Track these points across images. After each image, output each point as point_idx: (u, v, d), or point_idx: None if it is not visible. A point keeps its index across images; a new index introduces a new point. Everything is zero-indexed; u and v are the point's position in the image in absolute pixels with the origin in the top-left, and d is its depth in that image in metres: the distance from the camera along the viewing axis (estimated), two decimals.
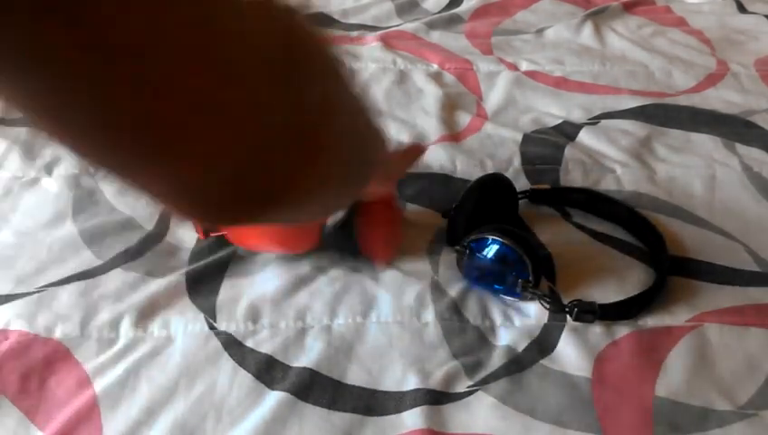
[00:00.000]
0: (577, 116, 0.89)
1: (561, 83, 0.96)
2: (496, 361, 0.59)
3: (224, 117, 0.22)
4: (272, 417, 0.54)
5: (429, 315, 0.62)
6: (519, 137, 0.85)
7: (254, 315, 0.62)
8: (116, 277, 0.65)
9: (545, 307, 0.62)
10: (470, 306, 0.63)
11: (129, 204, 0.73)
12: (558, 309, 0.61)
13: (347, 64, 0.29)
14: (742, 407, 0.55)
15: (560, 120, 0.88)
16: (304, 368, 0.57)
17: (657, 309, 0.63)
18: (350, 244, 0.64)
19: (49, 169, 0.79)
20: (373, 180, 0.43)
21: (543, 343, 0.60)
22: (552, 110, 0.90)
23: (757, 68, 1.00)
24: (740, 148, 0.84)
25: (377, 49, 1.01)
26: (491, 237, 0.63)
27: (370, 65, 0.98)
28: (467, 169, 0.80)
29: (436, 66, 0.98)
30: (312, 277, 0.65)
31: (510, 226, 0.66)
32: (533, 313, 0.63)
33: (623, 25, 1.10)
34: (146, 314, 0.62)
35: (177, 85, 0.20)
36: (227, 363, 0.58)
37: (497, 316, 0.63)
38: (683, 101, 0.93)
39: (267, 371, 0.57)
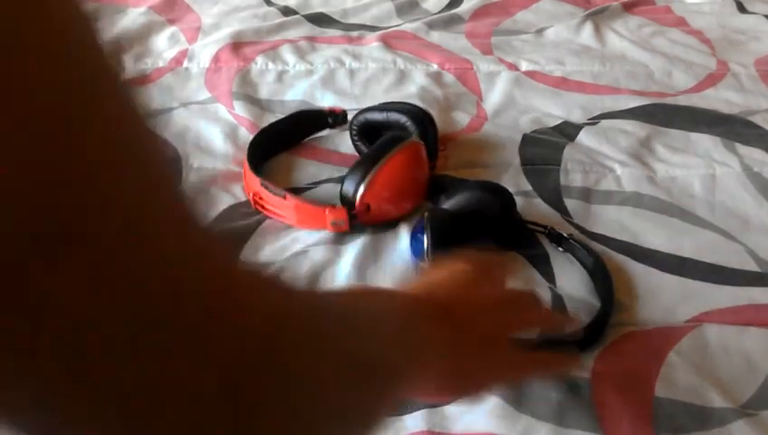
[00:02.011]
0: (577, 116, 0.89)
1: (561, 83, 0.96)
2: None
3: None
4: None
5: None
6: (519, 137, 0.85)
7: None
8: None
9: None
10: None
11: None
12: None
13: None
14: (742, 406, 0.55)
15: (560, 121, 0.88)
16: None
17: (657, 309, 0.63)
18: None
19: None
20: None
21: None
22: (551, 110, 0.90)
23: (757, 68, 1.00)
24: (740, 148, 0.84)
25: (377, 49, 1.01)
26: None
27: (370, 65, 0.98)
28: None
29: (436, 66, 0.98)
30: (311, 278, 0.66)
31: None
32: None
33: (623, 25, 1.10)
34: None
35: None
36: None
37: None
38: (683, 101, 0.93)
39: None
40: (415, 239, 0.66)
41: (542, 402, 0.55)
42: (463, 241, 0.66)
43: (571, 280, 0.66)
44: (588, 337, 0.60)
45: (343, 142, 0.83)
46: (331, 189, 0.75)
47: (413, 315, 0.38)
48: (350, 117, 0.82)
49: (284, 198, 0.70)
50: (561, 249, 0.69)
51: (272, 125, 0.83)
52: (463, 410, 0.55)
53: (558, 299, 0.64)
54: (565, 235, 0.69)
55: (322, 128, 0.85)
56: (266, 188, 0.71)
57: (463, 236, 0.66)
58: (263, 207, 0.72)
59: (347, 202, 0.69)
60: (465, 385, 0.46)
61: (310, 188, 0.77)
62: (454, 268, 0.47)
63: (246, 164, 0.74)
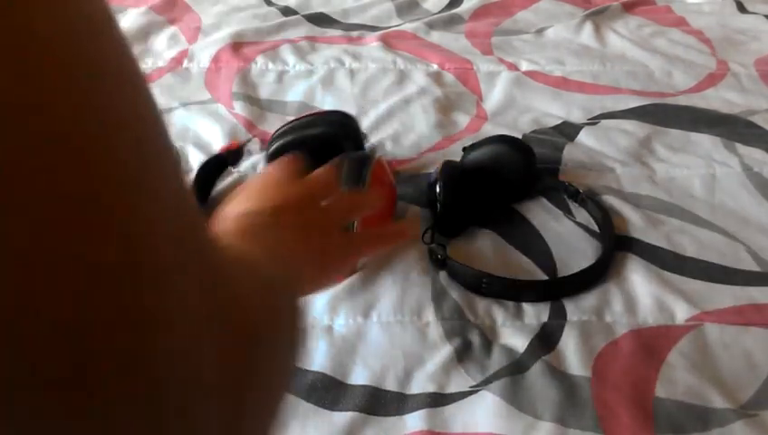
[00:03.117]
0: (577, 116, 0.89)
1: (561, 83, 0.96)
2: (497, 360, 0.59)
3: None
4: None
5: (430, 315, 0.62)
6: (518, 137, 0.84)
7: None
8: None
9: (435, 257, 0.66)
10: (471, 306, 0.63)
11: None
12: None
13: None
14: (742, 407, 0.56)
15: (560, 121, 0.88)
16: (306, 368, 0.58)
17: (657, 309, 0.63)
18: None
19: None
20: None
21: (544, 343, 0.60)
22: (551, 110, 0.90)
23: (757, 68, 1.00)
24: (740, 148, 0.84)
25: (377, 49, 1.01)
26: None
27: (370, 65, 0.98)
28: None
29: (436, 66, 0.98)
30: None
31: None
32: (533, 312, 0.63)
33: (623, 25, 1.10)
34: None
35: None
36: None
37: (498, 316, 0.63)
38: (683, 101, 0.93)
39: None
40: (429, 191, 0.70)
41: (543, 402, 0.55)
42: (477, 193, 0.71)
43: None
44: (596, 271, 0.66)
45: None
46: None
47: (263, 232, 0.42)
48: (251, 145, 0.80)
49: None
50: (575, 204, 0.74)
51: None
52: (464, 409, 0.55)
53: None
54: (580, 190, 0.74)
55: (224, 170, 0.78)
56: None
57: (477, 189, 0.71)
58: None
59: None
60: (322, 272, 0.51)
61: None
62: (257, 178, 0.52)
63: None
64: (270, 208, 0.47)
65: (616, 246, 0.70)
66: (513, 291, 0.64)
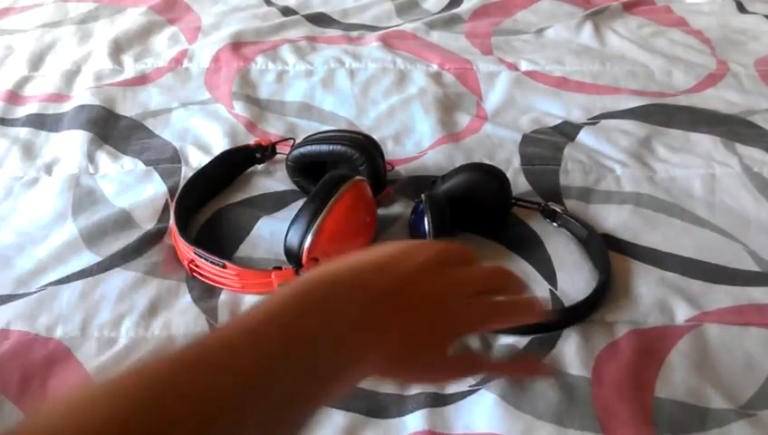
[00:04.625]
0: (577, 116, 0.89)
1: (561, 83, 0.96)
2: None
3: None
4: None
5: None
6: (518, 137, 0.85)
7: None
8: (116, 277, 0.65)
9: None
10: None
11: (128, 202, 0.73)
12: None
13: None
14: (742, 407, 0.55)
15: (559, 121, 0.88)
16: None
17: (656, 309, 0.63)
18: None
19: (48, 169, 0.79)
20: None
21: (544, 343, 0.60)
22: (551, 110, 0.90)
23: (757, 68, 1.00)
24: (740, 148, 0.84)
25: (377, 49, 1.01)
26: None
27: (370, 65, 0.98)
28: None
29: (436, 66, 0.98)
30: None
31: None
32: None
33: (623, 25, 1.11)
34: (147, 314, 0.62)
35: None
36: None
37: None
38: (683, 101, 0.93)
39: None
40: (415, 224, 0.67)
41: (542, 402, 0.55)
42: (461, 222, 0.68)
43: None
44: (591, 304, 0.63)
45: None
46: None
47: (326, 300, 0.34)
48: (281, 146, 0.79)
49: (224, 266, 0.63)
50: (555, 224, 0.71)
51: (198, 173, 0.75)
52: (464, 409, 0.55)
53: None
54: (559, 209, 0.71)
55: (250, 165, 0.79)
56: (202, 257, 0.64)
57: (461, 218, 0.67)
58: (200, 275, 0.65)
59: (292, 258, 0.63)
60: (418, 359, 0.37)
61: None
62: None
63: (175, 230, 0.67)
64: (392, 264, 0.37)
65: (614, 246, 0.70)
66: (529, 329, 0.61)
